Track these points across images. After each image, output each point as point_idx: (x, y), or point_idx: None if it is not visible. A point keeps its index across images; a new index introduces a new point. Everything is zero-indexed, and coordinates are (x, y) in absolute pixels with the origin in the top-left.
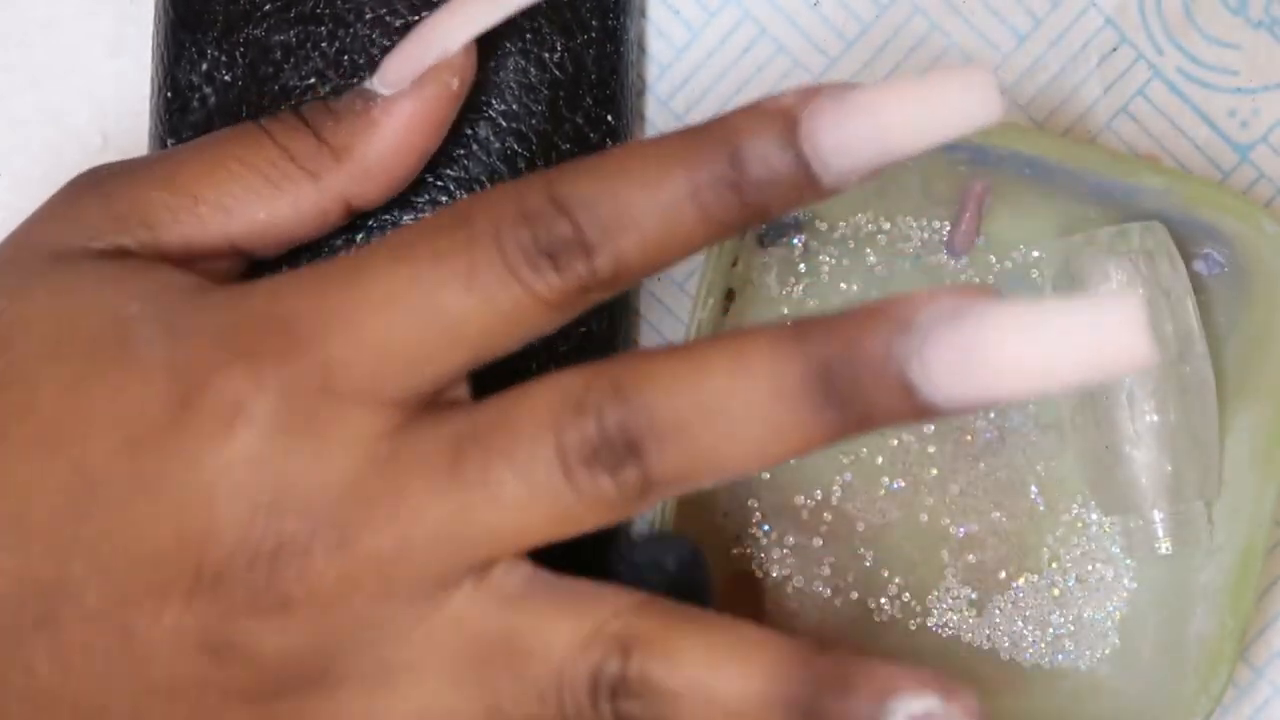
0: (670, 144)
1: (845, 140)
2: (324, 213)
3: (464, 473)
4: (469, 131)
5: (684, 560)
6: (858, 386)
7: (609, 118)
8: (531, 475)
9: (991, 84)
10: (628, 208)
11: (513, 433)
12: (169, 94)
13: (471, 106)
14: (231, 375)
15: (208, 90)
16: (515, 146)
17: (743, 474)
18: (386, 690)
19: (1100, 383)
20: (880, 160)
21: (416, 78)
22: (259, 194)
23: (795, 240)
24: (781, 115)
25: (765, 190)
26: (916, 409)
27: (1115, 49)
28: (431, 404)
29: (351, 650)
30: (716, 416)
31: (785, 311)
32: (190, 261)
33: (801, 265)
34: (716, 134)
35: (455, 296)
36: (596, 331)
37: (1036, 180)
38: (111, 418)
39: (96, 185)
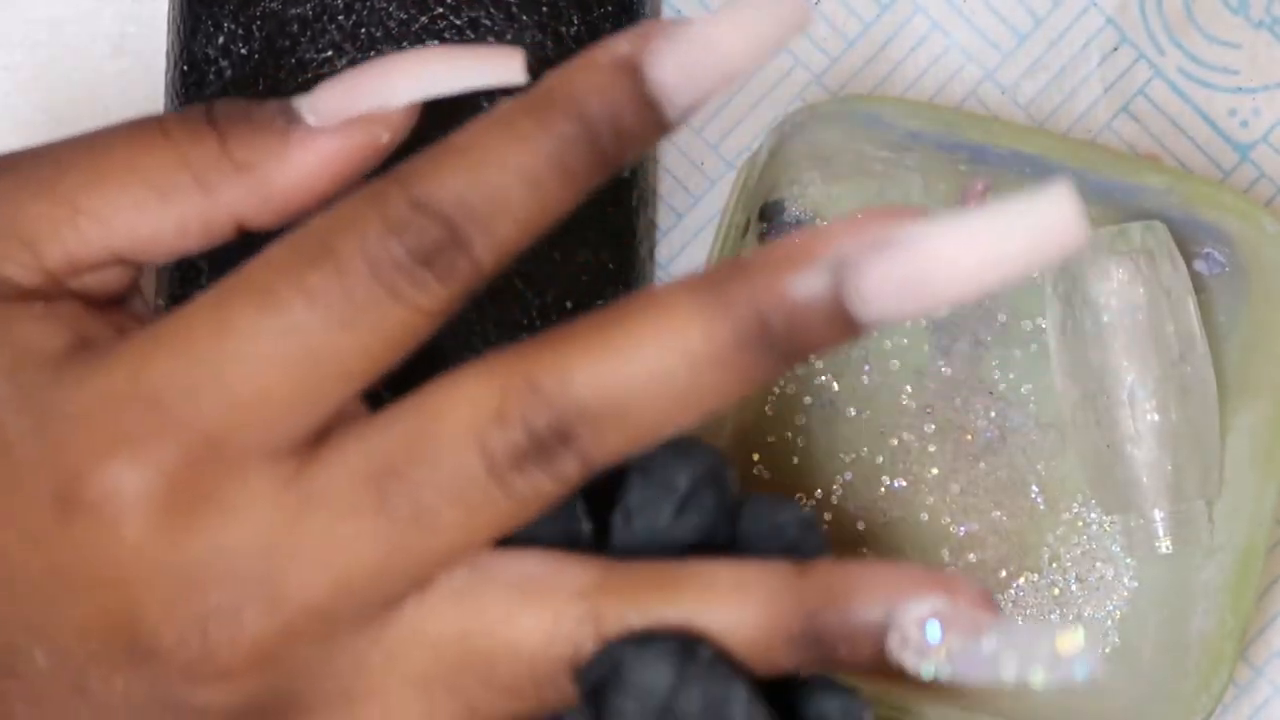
0: (517, 118)
1: (688, 76)
2: (212, 229)
3: (393, 510)
4: (486, 105)
5: (806, 520)
6: (796, 328)
7: None
8: (465, 496)
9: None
10: (495, 192)
11: (433, 459)
12: (185, 68)
13: None
14: (108, 466)
15: (224, 64)
16: None
17: (687, 428)
18: (355, 713)
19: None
20: (720, 87)
21: (348, 119)
22: (142, 205)
23: None
24: (623, 66)
25: (620, 139)
26: (858, 331)
27: (1116, 48)
28: (325, 428)
29: (310, 684)
30: (651, 391)
31: None
32: (76, 274)
33: None
34: (562, 97)
35: (335, 336)
36: (613, 269)
37: (1037, 180)
38: (1, 514)
39: None
